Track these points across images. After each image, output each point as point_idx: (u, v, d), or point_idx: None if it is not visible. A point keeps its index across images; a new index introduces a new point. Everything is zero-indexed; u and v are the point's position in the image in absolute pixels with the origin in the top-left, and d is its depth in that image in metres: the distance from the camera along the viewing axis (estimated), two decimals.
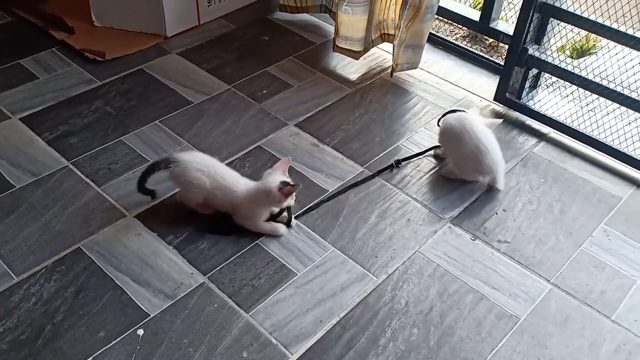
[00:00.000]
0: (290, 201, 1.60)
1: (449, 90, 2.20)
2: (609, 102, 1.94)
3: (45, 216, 1.66)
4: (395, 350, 1.40)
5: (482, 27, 2.28)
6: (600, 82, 1.87)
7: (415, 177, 1.84)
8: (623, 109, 1.97)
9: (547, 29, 1.97)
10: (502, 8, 2.29)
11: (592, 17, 1.83)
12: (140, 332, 1.41)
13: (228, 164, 1.81)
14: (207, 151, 1.79)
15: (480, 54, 2.35)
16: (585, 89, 1.95)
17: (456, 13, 2.33)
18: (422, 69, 2.26)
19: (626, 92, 1.84)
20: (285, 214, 1.65)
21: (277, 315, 1.46)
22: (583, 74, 1.90)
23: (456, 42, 2.40)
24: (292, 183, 1.57)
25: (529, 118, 2.07)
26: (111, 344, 1.38)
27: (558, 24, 1.97)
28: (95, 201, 1.71)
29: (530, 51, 1.98)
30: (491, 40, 2.48)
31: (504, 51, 2.36)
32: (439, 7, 2.15)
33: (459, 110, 1.84)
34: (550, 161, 1.92)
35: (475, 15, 2.30)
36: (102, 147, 1.89)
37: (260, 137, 1.96)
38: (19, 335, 1.39)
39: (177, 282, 1.52)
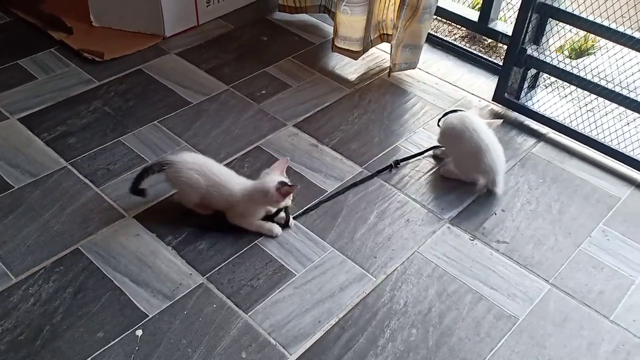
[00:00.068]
0: (288, 201, 1.60)
1: (448, 90, 2.20)
2: (607, 102, 1.95)
3: (44, 217, 1.66)
4: (394, 350, 1.40)
5: (481, 28, 2.28)
6: (598, 83, 1.88)
7: (414, 178, 1.84)
8: (622, 109, 1.97)
9: (545, 29, 1.98)
10: (501, 8, 2.29)
11: (591, 18, 1.84)
12: (139, 332, 1.41)
13: (227, 165, 1.81)
14: (206, 152, 1.79)
15: (479, 54, 2.36)
16: (583, 89, 1.95)
17: (455, 13, 2.33)
18: (420, 69, 2.26)
19: (625, 92, 1.84)
20: (282, 214, 1.65)
21: (276, 315, 1.46)
22: (582, 74, 1.90)
23: (455, 43, 2.40)
24: (290, 183, 1.57)
25: (527, 118, 2.07)
26: (110, 345, 1.38)
27: (557, 24, 1.98)
28: (93, 202, 1.71)
29: (529, 51, 1.98)
30: (490, 40, 2.48)
31: (502, 51, 2.36)
32: (438, 7, 2.15)
33: (459, 110, 1.84)
34: (548, 161, 1.92)
35: (474, 15, 2.30)
36: (101, 148, 1.89)
37: (259, 137, 1.96)
38: (18, 336, 1.39)
39: (175, 282, 1.52)
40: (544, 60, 1.97)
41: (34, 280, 1.50)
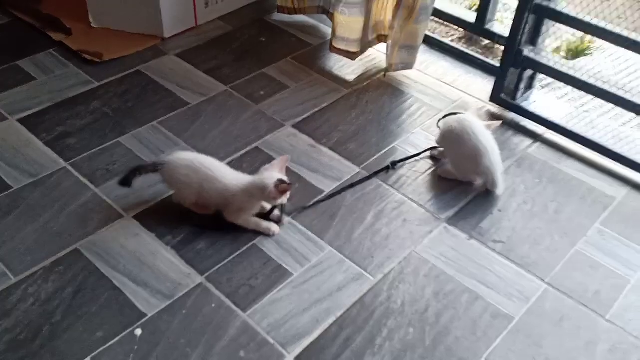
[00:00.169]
0: (284, 199, 1.61)
1: (445, 91, 2.21)
2: (603, 102, 1.96)
3: (43, 217, 1.67)
4: (392, 349, 1.41)
5: (478, 29, 2.28)
6: (595, 83, 1.88)
7: (411, 178, 1.85)
8: (618, 109, 1.98)
9: (542, 30, 1.98)
10: (498, 10, 2.30)
11: (587, 19, 1.85)
12: (138, 332, 1.41)
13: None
14: (205, 152, 1.79)
15: (476, 55, 2.36)
16: (580, 90, 1.96)
17: (452, 15, 2.34)
18: (418, 70, 2.27)
19: (621, 92, 1.85)
20: (277, 212, 1.66)
21: (274, 315, 1.46)
22: (578, 75, 1.91)
23: (452, 44, 2.41)
24: (288, 182, 1.58)
25: (524, 119, 2.08)
26: (109, 344, 1.38)
27: (553, 25, 1.99)
28: (93, 202, 1.72)
29: (526, 52, 1.99)
30: (487, 41, 2.49)
31: (499, 52, 2.37)
32: (435, 8, 2.16)
33: (458, 113, 1.85)
34: (545, 162, 1.93)
35: (470, 16, 2.31)
36: (100, 148, 1.89)
37: (257, 138, 1.97)
38: (17, 336, 1.39)
39: (174, 282, 1.52)
40: (541, 61, 1.98)
41: (33, 280, 1.51)
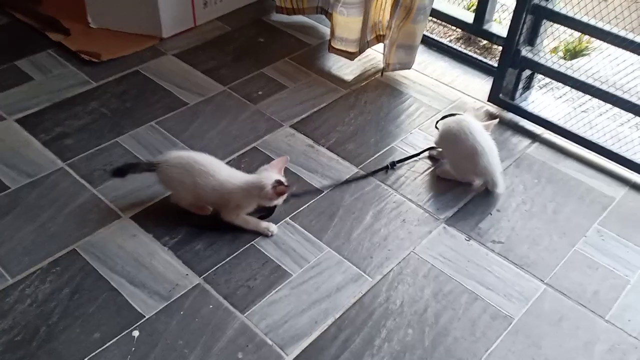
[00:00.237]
0: (280, 201, 1.61)
1: (443, 91, 2.20)
2: (602, 103, 1.96)
3: (41, 217, 1.66)
4: (391, 350, 1.41)
5: (476, 29, 2.28)
6: (593, 83, 1.89)
7: (410, 178, 1.85)
8: (616, 109, 1.98)
9: (540, 30, 1.99)
10: (496, 10, 2.30)
11: (585, 19, 1.85)
12: (136, 333, 1.41)
13: None
14: (203, 152, 1.78)
15: (474, 55, 2.37)
16: (578, 90, 1.96)
17: (450, 15, 2.33)
18: (416, 70, 2.27)
19: (619, 93, 1.85)
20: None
21: (273, 316, 1.46)
22: (576, 75, 1.91)
23: (450, 44, 2.41)
24: (285, 184, 1.57)
25: (522, 119, 2.08)
26: (106, 346, 1.38)
27: (551, 26, 1.99)
28: (90, 202, 1.71)
29: (524, 52, 1.99)
30: (485, 42, 2.49)
31: (497, 53, 2.37)
32: (433, 8, 2.16)
33: (457, 114, 1.85)
34: (543, 162, 1.93)
35: (469, 17, 2.31)
36: (98, 149, 1.89)
37: (255, 138, 1.96)
38: (14, 337, 1.39)
39: (172, 283, 1.52)
40: (539, 61, 1.98)
41: (31, 281, 1.50)
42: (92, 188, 1.75)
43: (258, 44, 2.40)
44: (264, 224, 1.63)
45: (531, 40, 2.00)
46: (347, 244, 1.64)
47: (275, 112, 2.07)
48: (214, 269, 1.56)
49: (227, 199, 1.59)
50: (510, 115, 2.10)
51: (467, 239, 1.68)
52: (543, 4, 1.90)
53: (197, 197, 1.62)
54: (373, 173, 1.84)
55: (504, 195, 1.80)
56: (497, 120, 1.90)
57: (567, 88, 2.02)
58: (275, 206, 1.65)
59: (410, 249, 1.64)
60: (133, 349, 1.38)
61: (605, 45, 1.91)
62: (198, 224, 1.65)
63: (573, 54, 2.47)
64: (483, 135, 1.75)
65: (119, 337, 1.40)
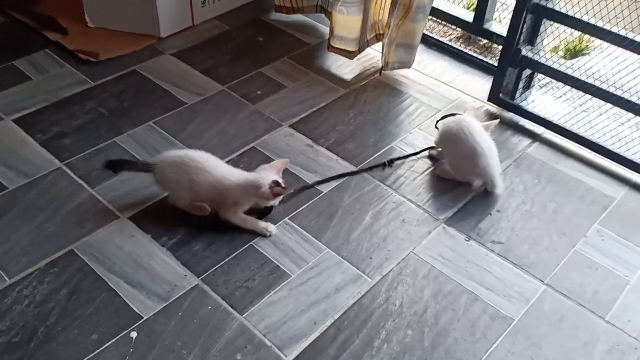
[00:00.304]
0: (276, 202, 1.60)
1: (443, 91, 2.20)
2: (602, 102, 1.95)
3: (38, 218, 1.65)
4: (390, 351, 1.40)
5: (476, 28, 2.28)
6: (593, 83, 1.88)
7: (409, 178, 1.84)
8: (616, 109, 1.97)
9: (540, 29, 1.98)
10: (496, 9, 2.29)
11: (585, 18, 1.84)
12: (134, 334, 1.40)
13: None
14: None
15: (474, 54, 2.36)
16: (578, 90, 1.96)
17: (450, 14, 2.33)
18: (416, 69, 2.27)
19: (619, 92, 1.84)
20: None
21: (272, 316, 1.45)
22: (576, 74, 1.91)
23: (450, 43, 2.41)
24: (283, 185, 1.57)
25: (522, 118, 2.07)
26: (104, 347, 1.37)
27: (551, 25, 1.98)
28: (88, 203, 1.70)
29: (524, 52, 1.98)
30: (485, 41, 2.48)
31: (497, 52, 2.37)
32: (433, 7, 2.16)
33: (456, 114, 1.84)
34: (544, 162, 1.92)
35: (468, 16, 2.30)
36: (96, 149, 1.88)
37: (254, 138, 1.96)
38: (12, 338, 1.38)
39: (170, 283, 1.51)
40: (539, 60, 1.97)
41: (29, 281, 1.50)
42: (90, 188, 1.75)
43: (257, 43, 2.39)
44: (263, 224, 1.63)
45: (531, 40, 2.00)
46: (347, 245, 1.63)
47: (274, 111, 2.06)
48: (213, 269, 1.55)
49: (225, 196, 1.58)
50: (510, 115, 2.09)
51: (466, 239, 1.67)
52: (543, 3, 1.89)
53: (195, 195, 1.61)
54: (369, 169, 1.84)
55: (504, 195, 1.79)
56: (498, 121, 1.89)
57: (567, 87, 2.02)
58: (272, 206, 1.65)
59: (409, 250, 1.63)
60: (131, 350, 1.37)
61: (605, 44, 1.90)
62: (196, 224, 1.65)
63: (573, 53, 2.46)
64: (483, 136, 1.74)
65: (117, 338, 1.39)
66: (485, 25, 2.25)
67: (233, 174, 1.60)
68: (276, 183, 1.55)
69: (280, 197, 1.60)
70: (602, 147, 1.91)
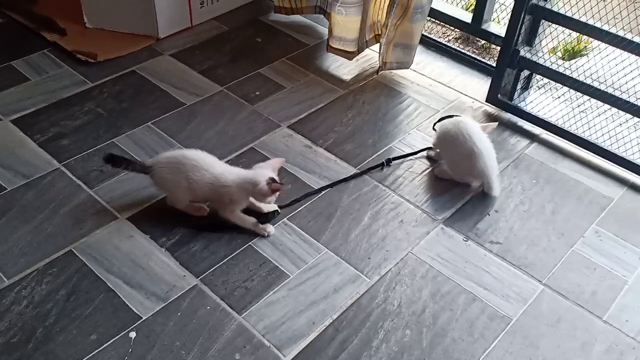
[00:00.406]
0: (273, 198, 1.60)
1: (442, 91, 2.20)
2: (600, 103, 1.95)
3: (37, 218, 1.65)
4: (388, 351, 1.40)
5: (474, 29, 2.28)
6: (591, 84, 1.88)
7: (408, 179, 1.84)
8: (614, 110, 1.98)
9: (538, 30, 1.98)
10: (494, 10, 2.30)
11: (583, 19, 1.84)
12: (133, 334, 1.40)
13: None
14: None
15: (473, 55, 2.36)
16: (576, 91, 1.96)
17: (448, 15, 2.33)
18: (414, 70, 2.27)
19: (617, 93, 1.85)
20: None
21: (270, 317, 1.45)
22: (574, 75, 1.91)
23: (448, 44, 2.41)
24: (280, 182, 1.57)
25: (520, 119, 2.08)
26: (103, 347, 1.37)
27: (549, 26, 1.98)
28: (87, 203, 1.70)
29: (522, 53, 1.98)
30: (483, 42, 2.49)
31: (496, 53, 2.37)
32: (431, 8, 2.16)
33: (455, 116, 1.85)
34: (542, 162, 1.93)
35: (467, 17, 2.30)
36: (94, 149, 1.88)
37: (253, 138, 1.96)
38: (11, 339, 1.38)
39: (169, 284, 1.51)
40: (537, 61, 1.97)
41: (27, 282, 1.50)
42: (89, 189, 1.75)
43: (255, 44, 2.39)
44: (261, 224, 1.63)
45: (530, 41, 2.00)
46: (345, 245, 1.63)
47: (273, 112, 2.06)
48: (211, 270, 1.55)
49: (222, 194, 1.58)
50: (508, 116, 2.10)
51: (465, 239, 1.67)
52: (541, 3, 1.90)
53: (193, 194, 1.61)
54: (368, 170, 1.84)
55: (502, 195, 1.80)
56: (497, 123, 1.89)
57: (566, 88, 2.02)
58: (273, 213, 1.65)
59: (408, 250, 1.63)
60: (130, 350, 1.37)
61: (603, 45, 1.91)
62: (195, 225, 1.65)
63: (571, 54, 2.47)
64: (481, 138, 1.75)
65: (115, 338, 1.39)
66: (484, 26, 2.25)
67: (230, 172, 1.60)
68: (273, 179, 1.55)
69: (277, 194, 1.59)
70: (600, 148, 1.92)
